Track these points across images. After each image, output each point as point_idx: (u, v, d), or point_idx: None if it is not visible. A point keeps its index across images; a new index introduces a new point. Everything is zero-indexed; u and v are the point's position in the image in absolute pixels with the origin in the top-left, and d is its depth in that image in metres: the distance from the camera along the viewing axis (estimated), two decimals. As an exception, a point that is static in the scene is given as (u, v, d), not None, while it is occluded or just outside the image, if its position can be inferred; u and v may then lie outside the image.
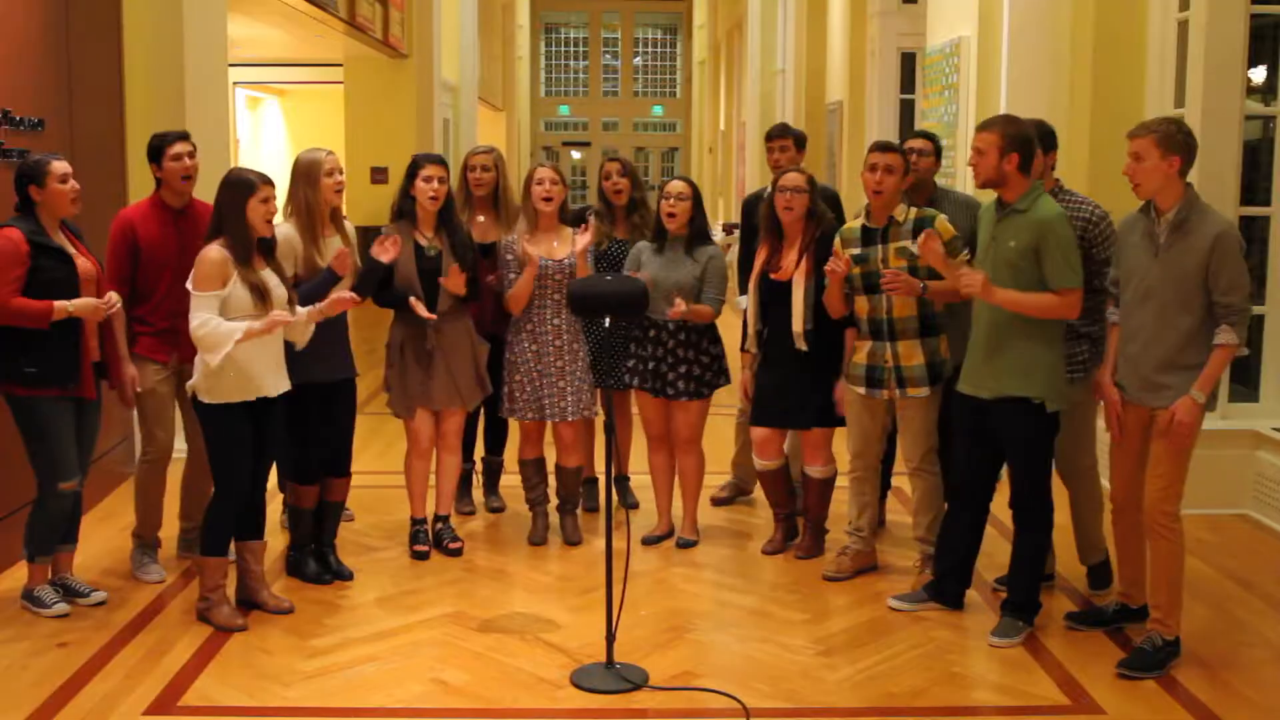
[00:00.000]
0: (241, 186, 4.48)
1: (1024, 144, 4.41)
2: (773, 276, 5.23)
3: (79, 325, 4.61)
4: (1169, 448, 4.18)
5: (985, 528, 4.78)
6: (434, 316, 5.16)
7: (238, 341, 4.34)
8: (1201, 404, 4.13)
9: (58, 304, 4.49)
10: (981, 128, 4.51)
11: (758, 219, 5.64)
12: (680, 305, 5.16)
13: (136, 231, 4.97)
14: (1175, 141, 4.13)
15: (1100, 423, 5.07)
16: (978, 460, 4.65)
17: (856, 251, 4.95)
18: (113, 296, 4.74)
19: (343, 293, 4.70)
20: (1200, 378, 4.13)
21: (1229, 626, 4.73)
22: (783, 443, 5.49)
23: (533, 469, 5.65)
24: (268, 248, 4.58)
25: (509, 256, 5.42)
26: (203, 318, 4.37)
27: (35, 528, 4.76)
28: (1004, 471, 4.72)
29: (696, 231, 5.40)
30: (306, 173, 4.94)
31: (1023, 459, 4.51)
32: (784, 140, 5.96)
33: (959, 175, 8.78)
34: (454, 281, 5.16)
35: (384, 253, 5.03)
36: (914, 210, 4.93)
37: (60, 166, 4.61)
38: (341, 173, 5.01)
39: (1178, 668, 4.27)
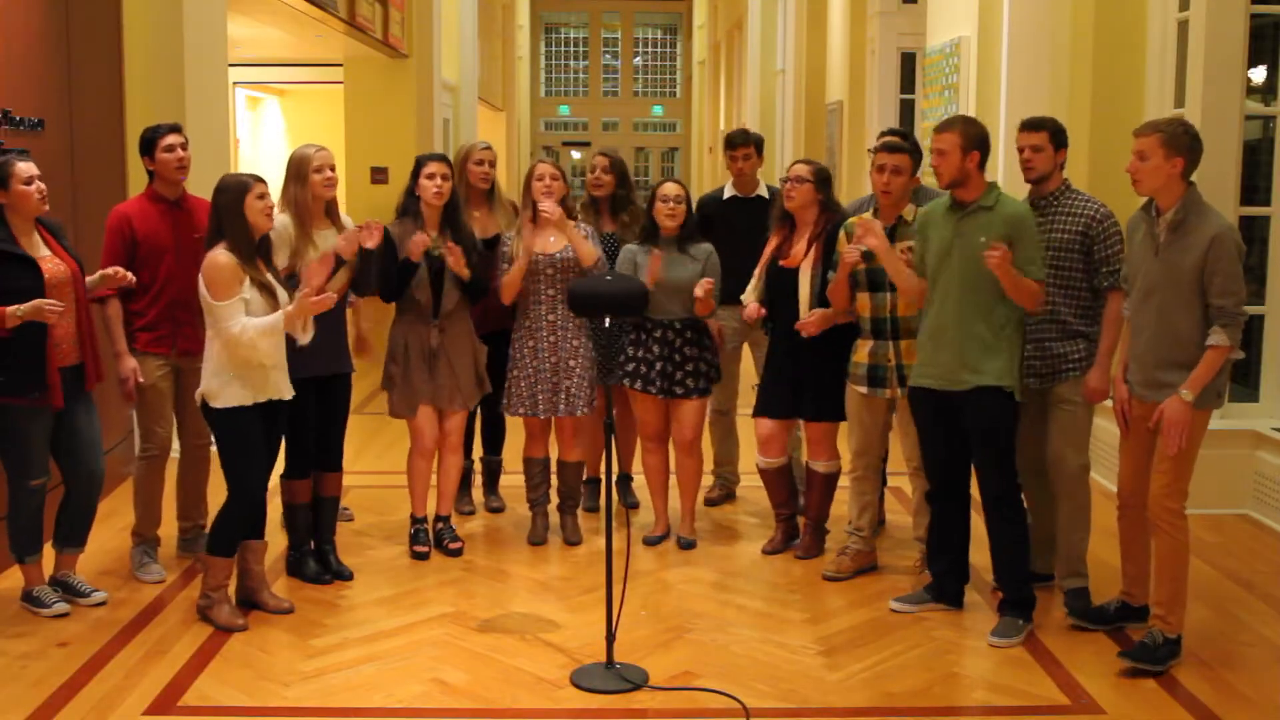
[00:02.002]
0: (236, 187, 4.49)
1: (983, 142, 4.52)
2: (781, 264, 5.24)
3: (43, 334, 4.52)
4: (1164, 444, 4.19)
5: (970, 520, 4.81)
6: (424, 237, 5.15)
7: (289, 323, 4.41)
8: (1189, 402, 4.13)
9: (8, 310, 4.38)
10: (940, 129, 4.58)
11: (713, 219, 5.66)
12: (708, 283, 5.19)
13: (134, 225, 4.97)
14: (1181, 144, 4.15)
15: (1100, 422, 5.09)
16: (952, 456, 4.68)
17: (863, 248, 4.95)
18: (119, 273, 4.70)
19: (322, 294, 4.57)
20: (1190, 377, 4.13)
21: (1229, 626, 4.73)
22: (786, 440, 5.48)
23: (537, 467, 5.65)
24: (265, 248, 4.59)
25: (504, 248, 5.43)
26: (240, 323, 4.37)
27: (14, 528, 4.76)
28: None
29: (689, 231, 5.42)
30: (296, 169, 4.96)
31: (995, 449, 4.55)
32: (746, 149, 6.00)
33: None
34: (456, 260, 5.17)
35: (369, 238, 5.01)
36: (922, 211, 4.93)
37: (25, 168, 4.56)
38: (333, 169, 5.01)
39: (1178, 667, 4.27)
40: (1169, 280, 4.18)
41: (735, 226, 5.75)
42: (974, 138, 4.49)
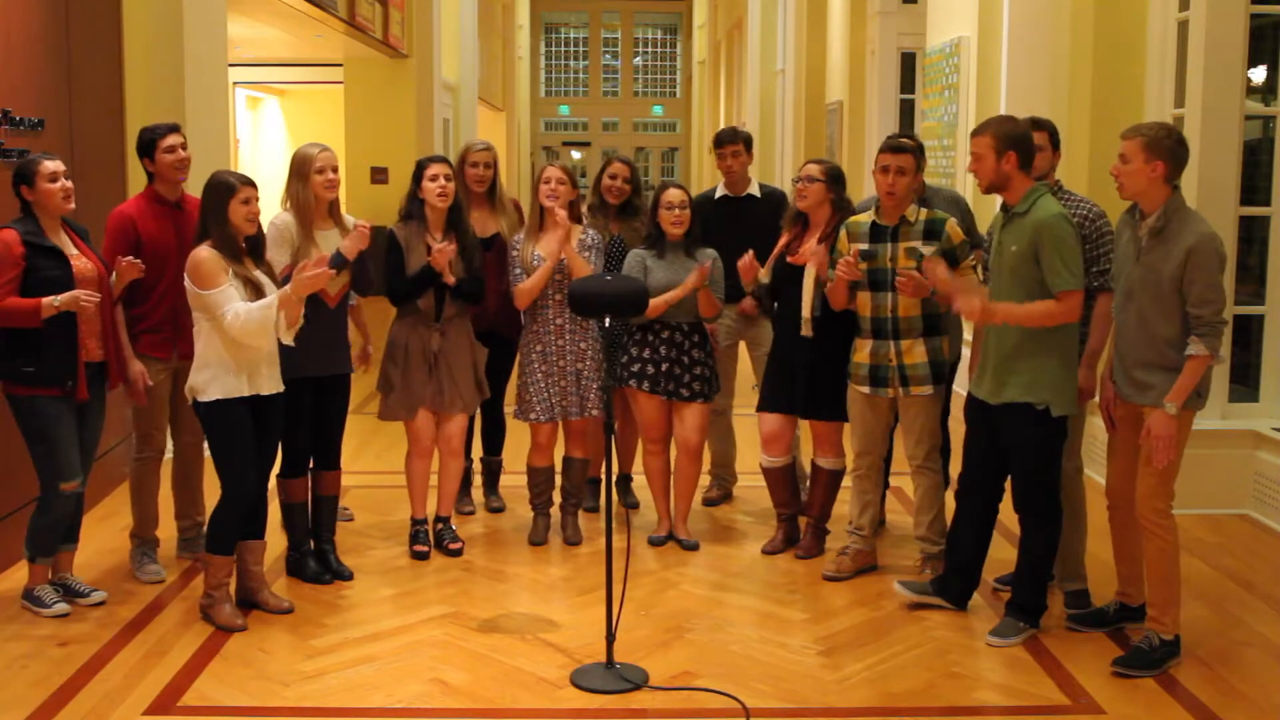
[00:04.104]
0: (221, 189, 4.50)
1: (1020, 142, 4.39)
2: (789, 259, 5.24)
3: (73, 325, 4.60)
4: (1152, 455, 4.19)
5: (992, 531, 4.78)
6: (452, 246, 5.16)
7: (279, 309, 4.39)
8: (1174, 415, 4.12)
9: (44, 300, 4.47)
10: (975, 133, 4.50)
11: (705, 220, 5.62)
12: (703, 272, 5.18)
13: (137, 227, 4.97)
14: (1162, 147, 4.13)
15: (1095, 420, 5.09)
16: (987, 458, 4.64)
17: (864, 247, 4.95)
18: (130, 262, 4.72)
19: (316, 271, 4.45)
20: (1173, 389, 4.12)
21: (1228, 626, 4.73)
22: (791, 439, 5.49)
23: (542, 477, 5.64)
24: (256, 248, 4.60)
25: (514, 253, 5.43)
26: (232, 309, 4.38)
27: (37, 528, 4.76)
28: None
29: (694, 236, 5.42)
30: (299, 168, 4.96)
31: (1029, 463, 4.49)
32: (735, 145, 5.96)
33: (959, 175, 8.80)
34: (442, 263, 5.13)
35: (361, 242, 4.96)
36: (925, 211, 4.93)
37: (50, 165, 4.60)
38: (335, 170, 5.00)
39: (1177, 667, 4.27)
40: (1149, 285, 4.17)
41: (727, 227, 5.73)
42: (1008, 138, 4.36)
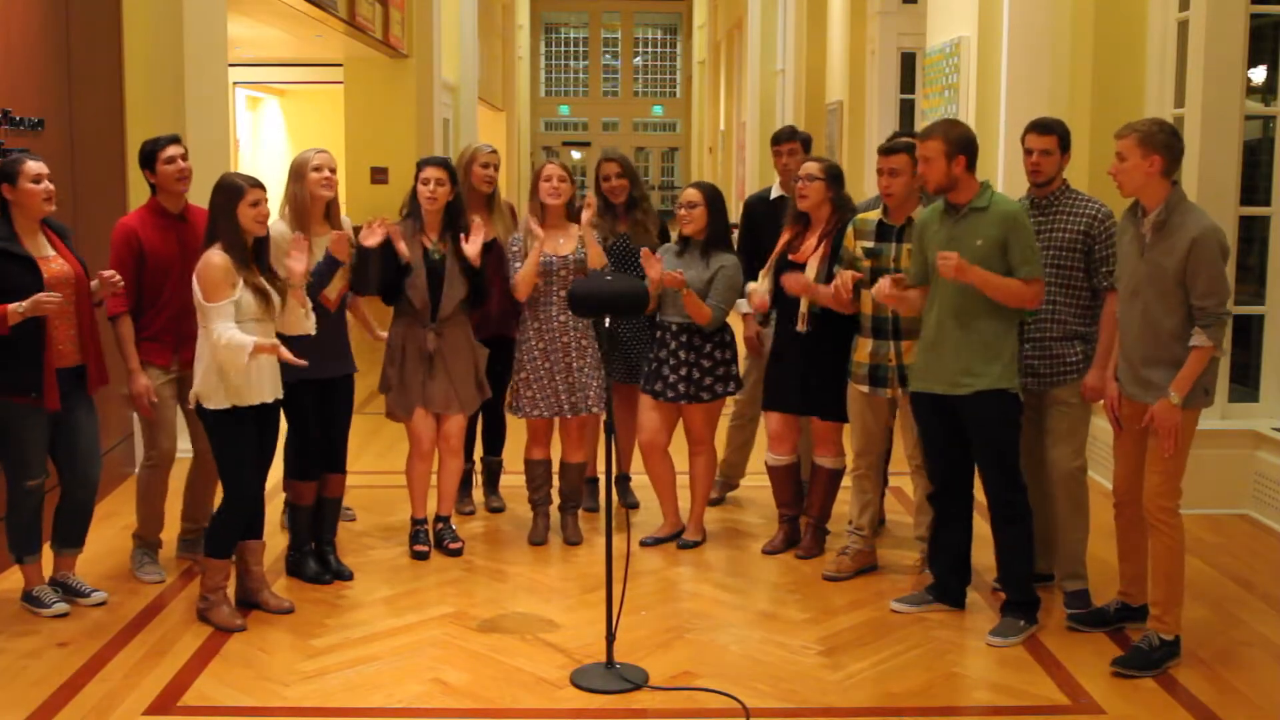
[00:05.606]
0: (231, 191, 4.49)
1: (968, 145, 4.49)
2: (790, 257, 5.24)
3: (41, 333, 4.52)
4: (1158, 446, 4.19)
5: (972, 521, 4.81)
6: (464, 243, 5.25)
7: (251, 355, 4.36)
8: (1177, 404, 4.13)
9: (10, 307, 4.38)
10: (923, 136, 4.56)
11: (759, 219, 5.61)
12: (679, 275, 5.17)
13: (140, 239, 4.96)
14: (1157, 141, 4.14)
15: (1098, 421, 5.10)
16: (955, 457, 4.68)
17: (869, 245, 4.96)
18: (106, 279, 4.70)
19: (282, 350, 4.49)
20: (1176, 378, 4.13)
21: (1228, 626, 4.73)
22: (796, 438, 5.48)
23: (540, 469, 5.64)
24: (261, 251, 4.59)
25: (514, 248, 5.43)
26: (220, 329, 4.36)
27: (11, 528, 4.76)
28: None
29: (713, 237, 5.40)
30: (297, 170, 4.97)
31: (998, 449, 4.55)
32: (792, 144, 5.96)
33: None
34: (474, 243, 5.22)
35: (370, 235, 5.02)
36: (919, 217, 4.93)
37: (34, 166, 4.56)
38: (332, 170, 5.00)
39: (1177, 667, 4.27)
40: (1153, 280, 4.18)
41: (780, 226, 5.66)
42: (957, 142, 4.46)
